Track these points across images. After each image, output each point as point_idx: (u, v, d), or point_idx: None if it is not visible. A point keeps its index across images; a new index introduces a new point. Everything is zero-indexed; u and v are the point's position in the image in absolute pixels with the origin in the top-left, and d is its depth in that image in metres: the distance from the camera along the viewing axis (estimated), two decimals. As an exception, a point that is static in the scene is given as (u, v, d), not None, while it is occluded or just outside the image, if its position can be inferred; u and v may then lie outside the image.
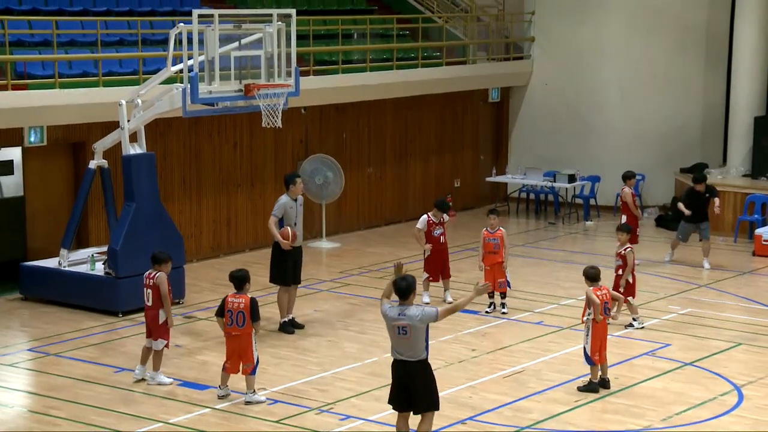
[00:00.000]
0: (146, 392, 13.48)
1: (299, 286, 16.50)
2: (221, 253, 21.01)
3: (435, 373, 10.64)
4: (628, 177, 20.25)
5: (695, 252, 20.93)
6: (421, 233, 17.40)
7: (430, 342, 15.26)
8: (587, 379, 13.56)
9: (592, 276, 13.66)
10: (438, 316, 10.75)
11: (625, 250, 16.22)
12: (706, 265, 20.34)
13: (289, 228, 15.81)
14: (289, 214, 15.95)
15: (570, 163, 26.00)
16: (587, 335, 13.45)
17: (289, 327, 16.04)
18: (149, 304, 13.64)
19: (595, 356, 13.42)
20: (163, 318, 13.59)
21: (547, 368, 14.43)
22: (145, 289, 13.65)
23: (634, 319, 16.28)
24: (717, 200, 20.26)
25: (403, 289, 10.70)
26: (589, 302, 13.45)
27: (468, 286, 18.55)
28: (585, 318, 13.50)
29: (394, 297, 10.95)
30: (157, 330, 13.61)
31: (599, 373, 13.54)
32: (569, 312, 16.85)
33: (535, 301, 17.76)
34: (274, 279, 16.19)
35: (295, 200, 16.01)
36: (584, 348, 13.50)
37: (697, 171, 24.35)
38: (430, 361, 11.12)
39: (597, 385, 13.47)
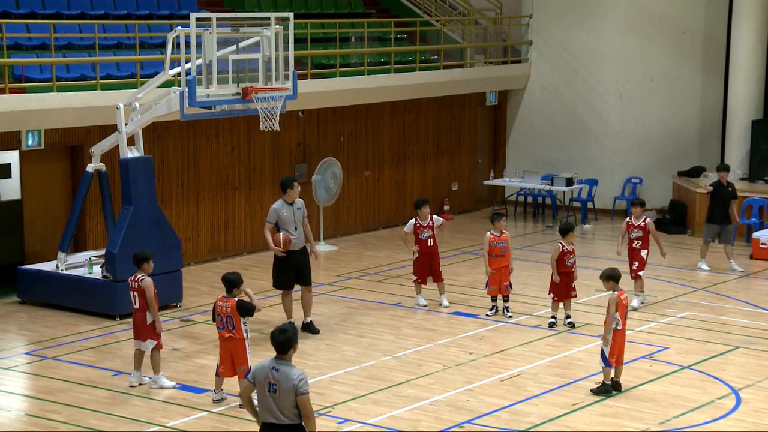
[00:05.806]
0: (144, 395, 13.46)
1: (312, 288, 16.36)
2: (219, 257, 21.00)
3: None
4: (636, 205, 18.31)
5: (693, 256, 20.95)
6: (409, 236, 17.39)
7: (427, 345, 15.48)
8: (600, 380, 13.55)
9: (617, 277, 13.45)
10: (303, 401, 8.98)
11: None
12: (736, 267, 20.16)
13: (281, 234, 15.62)
14: (284, 219, 15.75)
15: (568, 166, 26.03)
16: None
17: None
18: (136, 306, 13.60)
19: (612, 358, 13.37)
20: (150, 319, 13.54)
21: (545, 371, 14.42)
22: (131, 292, 13.63)
23: (553, 317, 16.46)
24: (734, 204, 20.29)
25: (282, 342, 9.07)
26: (615, 307, 13.22)
27: (467, 290, 18.57)
28: (613, 325, 13.31)
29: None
30: (145, 331, 13.56)
31: (612, 374, 13.52)
32: (567, 315, 16.84)
33: (533, 304, 17.74)
34: (274, 284, 16.17)
35: (291, 204, 15.85)
36: (602, 349, 13.42)
37: (694, 173, 24.46)
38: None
39: (610, 387, 13.46)
